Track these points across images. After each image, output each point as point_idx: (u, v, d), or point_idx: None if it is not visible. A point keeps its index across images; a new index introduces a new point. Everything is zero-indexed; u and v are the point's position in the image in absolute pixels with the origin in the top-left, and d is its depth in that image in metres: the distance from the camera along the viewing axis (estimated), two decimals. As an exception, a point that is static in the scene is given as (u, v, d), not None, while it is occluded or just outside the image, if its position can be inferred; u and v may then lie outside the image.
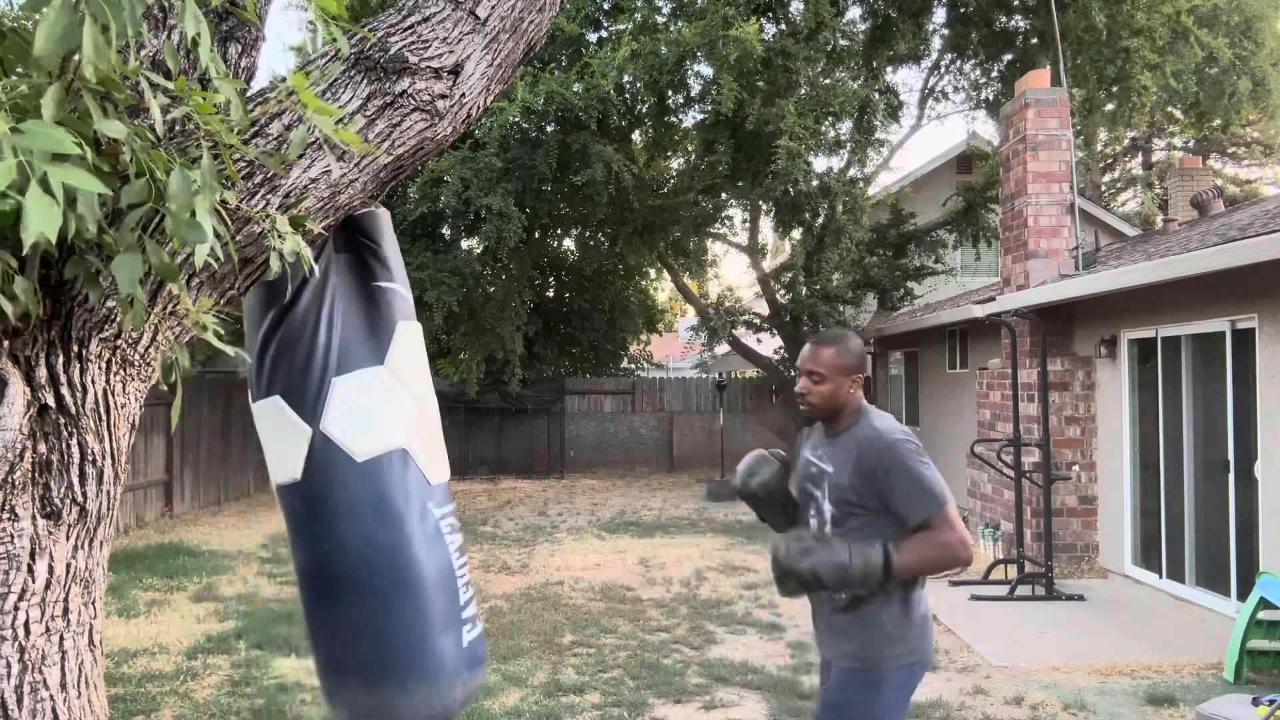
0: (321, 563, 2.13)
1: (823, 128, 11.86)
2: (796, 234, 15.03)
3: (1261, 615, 5.23)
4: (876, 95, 12.23)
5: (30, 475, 1.51)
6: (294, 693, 5.11)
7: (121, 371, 1.65)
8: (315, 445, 2.07)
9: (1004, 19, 14.09)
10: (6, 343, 1.49)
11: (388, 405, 2.15)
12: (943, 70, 15.86)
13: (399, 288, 2.26)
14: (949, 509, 2.44)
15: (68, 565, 1.58)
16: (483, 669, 2.24)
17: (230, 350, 1.84)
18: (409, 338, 2.23)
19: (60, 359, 1.55)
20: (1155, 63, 11.45)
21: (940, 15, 14.74)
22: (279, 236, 1.64)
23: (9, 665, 1.50)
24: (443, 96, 1.89)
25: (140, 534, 10.17)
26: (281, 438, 2.10)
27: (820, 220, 13.12)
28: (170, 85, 1.48)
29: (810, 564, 2.38)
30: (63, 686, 1.58)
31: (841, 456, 2.57)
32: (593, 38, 12.27)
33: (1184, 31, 11.61)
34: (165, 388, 1.76)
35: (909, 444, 2.51)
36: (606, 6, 11.66)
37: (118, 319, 1.57)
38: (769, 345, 17.24)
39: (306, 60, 1.90)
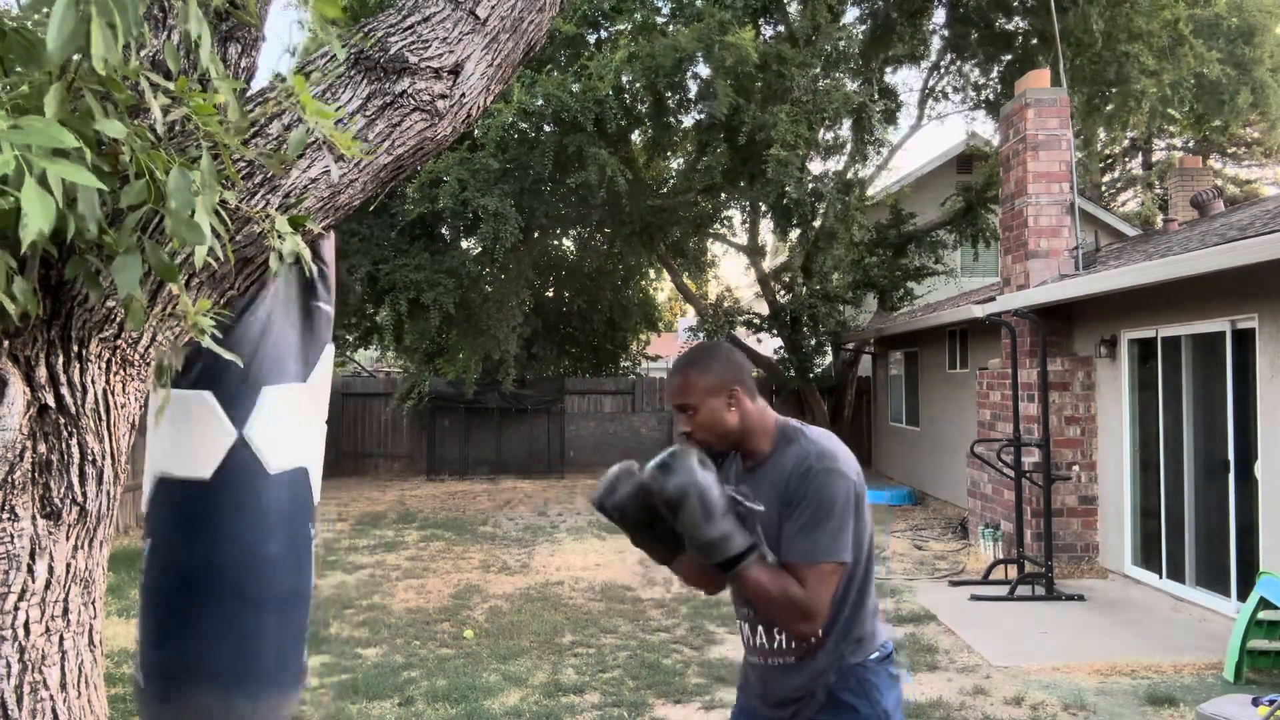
0: (206, 564, 2.12)
1: (817, 133, 11.86)
2: (794, 235, 15.04)
3: (1261, 615, 5.23)
4: (873, 99, 12.23)
5: (30, 475, 1.51)
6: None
7: (121, 371, 1.65)
8: (235, 449, 2.09)
9: (1004, 20, 14.09)
10: (6, 343, 1.49)
11: (302, 423, 2.18)
12: (942, 70, 15.87)
13: (331, 310, 2.30)
14: (831, 570, 1.99)
15: (68, 565, 1.58)
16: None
17: (227, 354, 1.84)
18: (329, 361, 2.30)
19: (60, 359, 1.54)
20: (1153, 69, 11.47)
21: (940, 16, 14.75)
22: (279, 237, 1.64)
23: (9, 665, 1.50)
24: (443, 96, 1.89)
25: (140, 534, 10.17)
26: (197, 434, 2.09)
27: (817, 223, 13.13)
28: (170, 85, 1.48)
29: (685, 483, 1.93)
30: (63, 686, 1.58)
31: (769, 491, 2.07)
32: (591, 39, 12.27)
33: (1181, 39, 11.63)
34: (159, 391, 1.76)
35: (846, 477, 2.03)
36: (606, 7, 11.66)
37: (118, 319, 1.57)
38: (769, 345, 17.24)
39: (306, 60, 1.90)
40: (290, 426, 2.16)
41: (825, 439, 2.11)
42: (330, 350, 2.29)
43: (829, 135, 13.13)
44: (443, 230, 13.51)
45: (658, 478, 1.98)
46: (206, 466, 2.05)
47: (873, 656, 2.11)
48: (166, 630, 2.14)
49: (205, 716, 2.13)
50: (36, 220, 1.14)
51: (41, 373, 1.52)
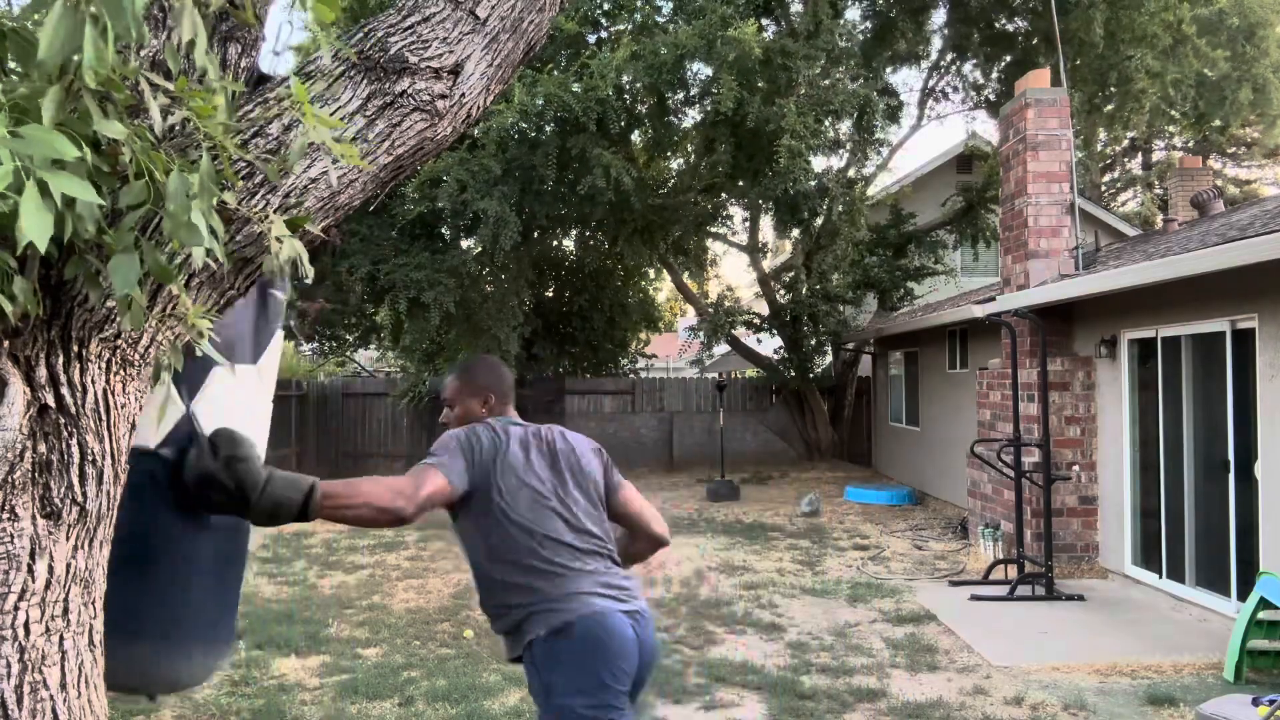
0: (145, 529, 2.21)
1: (823, 127, 11.87)
2: (796, 233, 15.04)
3: (1261, 615, 5.23)
4: (876, 95, 12.24)
5: (30, 475, 1.51)
6: (294, 693, 5.12)
7: (121, 371, 1.65)
8: (180, 423, 2.19)
9: (1005, 20, 14.10)
10: (6, 343, 1.49)
11: (247, 402, 2.32)
12: (943, 70, 15.87)
13: (284, 296, 2.44)
14: (424, 468, 2.37)
15: (68, 565, 1.58)
16: None
17: (219, 359, 1.84)
18: (279, 345, 2.45)
19: (60, 359, 1.55)
20: (1157, 70, 11.47)
21: (941, 16, 14.76)
22: (277, 240, 1.64)
23: (9, 665, 1.50)
24: (443, 96, 1.90)
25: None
26: (149, 408, 2.12)
27: (819, 221, 13.12)
28: (170, 86, 1.48)
29: (211, 468, 2.05)
30: (63, 686, 1.58)
31: None
32: (592, 38, 12.27)
33: (1184, 39, 11.63)
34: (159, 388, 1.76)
35: (467, 431, 2.51)
36: (606, 7, 11.65)
37: (118, 319, 1.57)
38: (769, 345, 17.24)
39: (306, 61, 1.89)
40: (234, 405, 2.26)
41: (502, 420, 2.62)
42: (280, 335, 2.44)
43: (830, 133, 13.14)
44: (443, 230, 13.52)
45: (191, 468, 2.07)
46: (153, 437, 2.12)
47: (541, 634, 2.40)
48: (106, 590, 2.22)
49: (138, 669, 2.24)
50: (33, 231, 1.15)
51: (41, 373, 1.53)
